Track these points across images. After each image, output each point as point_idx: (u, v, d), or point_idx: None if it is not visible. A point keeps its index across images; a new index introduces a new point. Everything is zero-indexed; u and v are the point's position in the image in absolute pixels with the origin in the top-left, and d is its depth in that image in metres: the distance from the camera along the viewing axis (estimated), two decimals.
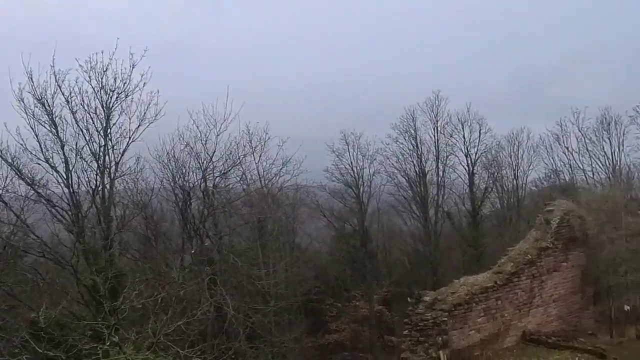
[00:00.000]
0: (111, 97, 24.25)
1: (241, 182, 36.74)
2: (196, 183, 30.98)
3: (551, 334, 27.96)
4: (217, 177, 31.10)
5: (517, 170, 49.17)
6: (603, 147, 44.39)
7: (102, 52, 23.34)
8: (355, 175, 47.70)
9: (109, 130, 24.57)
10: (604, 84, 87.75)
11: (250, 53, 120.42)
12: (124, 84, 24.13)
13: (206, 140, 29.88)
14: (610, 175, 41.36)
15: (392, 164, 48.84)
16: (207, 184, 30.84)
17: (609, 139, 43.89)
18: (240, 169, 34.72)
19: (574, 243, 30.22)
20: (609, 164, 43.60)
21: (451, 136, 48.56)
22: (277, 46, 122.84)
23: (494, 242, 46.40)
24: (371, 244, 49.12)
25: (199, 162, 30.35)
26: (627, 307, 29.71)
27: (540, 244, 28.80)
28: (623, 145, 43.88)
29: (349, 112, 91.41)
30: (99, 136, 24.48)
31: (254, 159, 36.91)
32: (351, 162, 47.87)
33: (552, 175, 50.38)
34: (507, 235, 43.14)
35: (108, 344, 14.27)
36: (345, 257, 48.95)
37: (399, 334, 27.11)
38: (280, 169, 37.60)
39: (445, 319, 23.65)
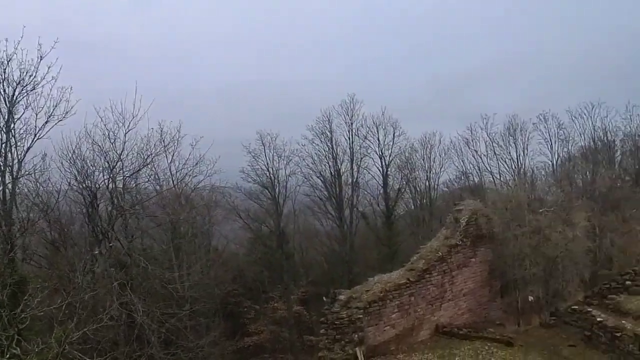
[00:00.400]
0: (15, 90, 22.66)
1: (153, 182, 35.60)
2: (103, 183, 29.56)
3: (462, 325, 29.49)
4: (126, 176, 29.84)
5: (430, 172, 51.46)
6: (509, 151, 47.24)
7: (6, 41, 21.62)
8: (271, 176, 47.71)
9: (12, 126, 22.98)
10: (512, 93, 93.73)
11: (167, 51, 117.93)
12: (30, 76, 22.48)
13: (115, 139, 28.62)
14: (516, 177, 43.77)
15: (308, 165, 49.44)
16: (116, 184, 29.57)
17: (514, 143, 46.76)
18: (152, 168, 33.60)
19: (482, 240, 32.04)
20: (515, 166, 46.45)
21: (366, 138, 49.77)
22: (195, 45, 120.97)
23: (407, 240, 48.37)
24: (288, 245, 49.25)
25: (107, 161, 28.99)
26: (531, 298, 31.66)
27: (450, 242, 30.29)
28: (527, 150, 46.94)
29: (266, 113, 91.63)
30: (1, 132, 22.88)
31: (167, 159, 35.83)
32: (267, 163, 47.84)
33: (462, 177, 53.09)
34: (420, 234, 45.08)
35: (8, 356, 13.43)
36: (263, 259, 48.86)
37: (318, 334, 27.40)
38: (192, 168, 36.63)
39: (361, 316, 24.25)
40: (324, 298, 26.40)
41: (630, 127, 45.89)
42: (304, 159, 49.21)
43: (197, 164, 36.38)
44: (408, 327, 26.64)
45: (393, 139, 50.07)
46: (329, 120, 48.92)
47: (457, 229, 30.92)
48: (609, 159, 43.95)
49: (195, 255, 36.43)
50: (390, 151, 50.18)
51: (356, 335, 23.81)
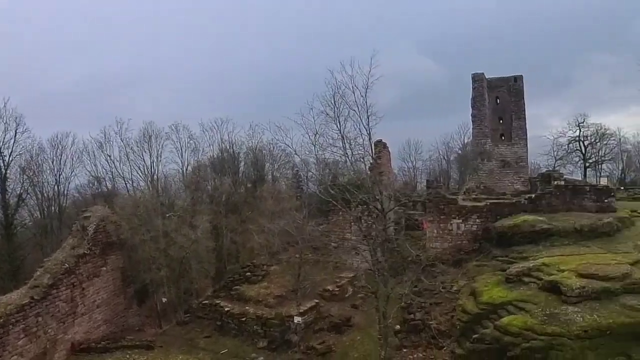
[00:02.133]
0: None
1: None
2: None
3: (100, 339, 28.68)
4: None
5: (60, 175, 47.52)
6: (143, 158, 46.59)
7: None
8: None
9: None
10: (152, 101, 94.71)
11: None
12: None
13: None
14: (149, 183, 43.83)
15: None
16: None
17: (149, 150, 46.32)
18: None
19: (112, 247, 31.70)
20: (148, 172, 46.03)
21: None
22: None
23: (33, 253, 42.78)
24: None
25: None
26: (164, 299, 32.50)
27: (77, 252, 28.98)
28: (161, 157, 47.02)
29: None
30: None
31: None
32: None
33: (95, 182, 50.48)
34: (48, 245, 40.51)
35: None
36: None
37: None
38: None
39: None
40: None
41: (252, 142, 50.61)
42: None
43: None
44: (40, 352, 24.16)
45: (15, 136, 43.41)
46: None
47: (85, 237, 29.65)
48: (233, 168, 47.88)
49: None
50: (11, 150, 43.32)
51: None
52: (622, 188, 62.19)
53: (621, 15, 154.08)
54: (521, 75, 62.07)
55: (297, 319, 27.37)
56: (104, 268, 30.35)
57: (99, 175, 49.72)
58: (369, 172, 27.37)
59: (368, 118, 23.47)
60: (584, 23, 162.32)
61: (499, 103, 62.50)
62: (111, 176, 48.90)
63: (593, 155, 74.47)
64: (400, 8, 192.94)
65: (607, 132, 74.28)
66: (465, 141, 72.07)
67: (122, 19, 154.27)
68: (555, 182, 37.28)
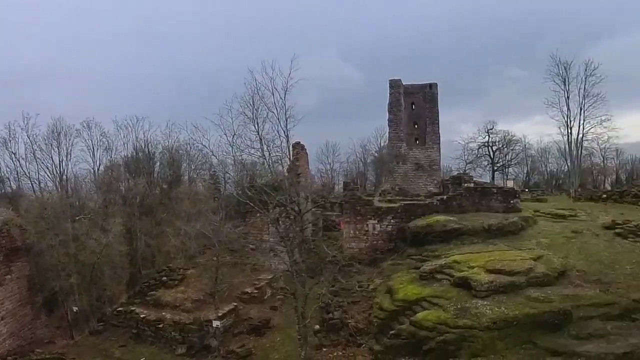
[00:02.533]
0: None
1: None
2: None
3: (6, 354, 27.18)
4: None
5: None
6: (52, 156, 44.07)
7: None
8: None
9: None
10: (63, 97, 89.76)
11: None
12: None
13: None
14: (57, 184, 41.74)
15: None
16: None
17: (58, 148, 43.76)
18: None
19: (17, 253, 30.13)
20: (57, 172, 43.66)
21: None
22: None
23: None
24: None
25: None
26: (75, 308, 31.20)
27: None
28: (71, 156, 44.62)
29: None
30: None
31: None
32: None
33: None
34: None
35: None
36: None
37: None
38: None
39: None
40: None
41: (168, 141, 49.24)
42: None
43: None
44: None
45: None
46: None
47: None
48: (148, 169, 46.27)
49: None
50: None
51: None
52: (526, 190, 66.93)
53: (529, 33, 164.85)
54: (436, 83, 64.65)
55: (215, 323, 27.23)
56: (9, 276, 28.80)
57: (2, 174, 47.17)
58: (286, 174, 27.73)
59: (286, 120, 23.94)
60: (497, 38, 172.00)
61: (415, 109, 64.77)
62: (16, 176, 46.38)
63: (500, 160, 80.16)
64: (326, 15, 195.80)
65: (514, 138, 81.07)
66: (382, 144, 74.55)
67: (35, 9, 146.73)
68: (466, 185, 39.17)
